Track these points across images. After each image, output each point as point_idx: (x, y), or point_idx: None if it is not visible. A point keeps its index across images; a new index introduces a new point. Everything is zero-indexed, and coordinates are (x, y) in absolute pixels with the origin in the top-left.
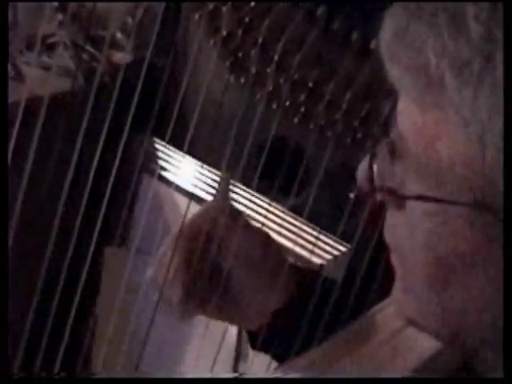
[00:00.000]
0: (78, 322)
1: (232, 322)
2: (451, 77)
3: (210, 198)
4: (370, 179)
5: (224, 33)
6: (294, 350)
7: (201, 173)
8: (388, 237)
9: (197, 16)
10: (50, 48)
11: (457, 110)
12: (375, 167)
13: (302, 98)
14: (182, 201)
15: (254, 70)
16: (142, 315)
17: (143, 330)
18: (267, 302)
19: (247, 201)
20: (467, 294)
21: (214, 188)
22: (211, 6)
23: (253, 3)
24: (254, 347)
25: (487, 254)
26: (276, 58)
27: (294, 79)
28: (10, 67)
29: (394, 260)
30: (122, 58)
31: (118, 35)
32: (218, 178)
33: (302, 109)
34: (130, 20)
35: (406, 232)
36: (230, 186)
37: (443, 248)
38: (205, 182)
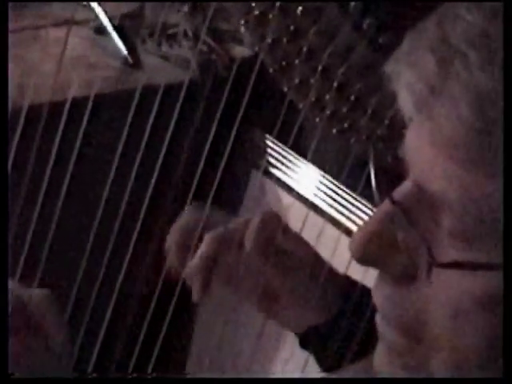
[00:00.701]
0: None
1: (278, 322)
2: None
3: (316, 199)
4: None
5: (269, 40)
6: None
7: (308, 172)
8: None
9: (242, 21)
10: (171, 38)
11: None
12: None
13: (345, 110)
14: (288, 200)
15: (297, 80)
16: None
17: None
18: (312, 311)
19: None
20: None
21: (319, 189)
22: (257, 11)
23: (299, 11)
24: (302, 345)
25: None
26: (320, 67)
27: (337, 90)
28: (128, 54)
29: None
30: (241, 52)
31: (242, 29)
32: (323, 179)
33: (345, 122)
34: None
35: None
36: None
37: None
38: (312, 183)
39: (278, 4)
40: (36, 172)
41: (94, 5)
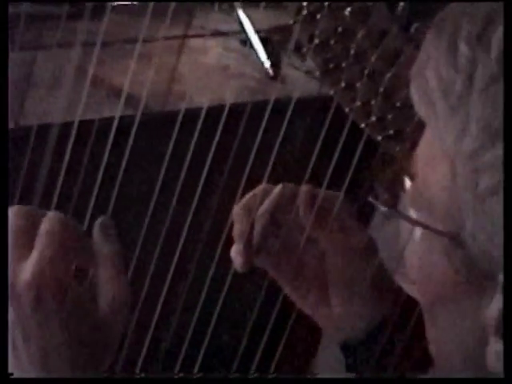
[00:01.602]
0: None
1: (322, 324)
2: (439, 97)
3: None
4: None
5: (317, 41)
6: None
7: None
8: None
9: (291, 21)
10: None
11: (440, 133)
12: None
13: (390, 116)
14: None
15: (343, 84)
16: None
17: None
18: (361, 312)
19: None
20: (450, 328)
21: None
22: (305, 12)
23: (348, 11)
24: (348, 369)
25: (465, 289)
26: (366, 71)
27: (383, 96)
28: (270, 67)
29: None
30: None
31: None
32: None
33: (390, 129)
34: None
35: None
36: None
37: (428, 278)
38: None
39: (326, 4)
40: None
41: (242, 17)
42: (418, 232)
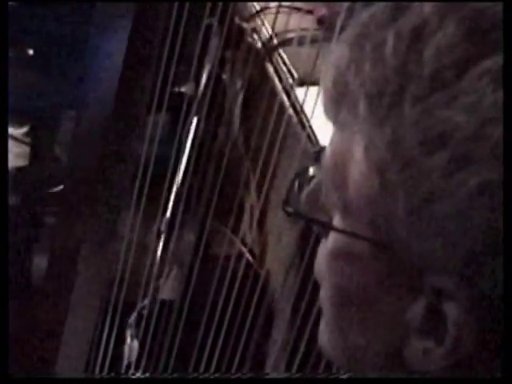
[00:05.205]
0: None
1: None
2: (364, 104)
3: None
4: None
5: None
6: None
7: None
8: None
9: None
10: None
11: (363, 135)
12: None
13: None
14: None
15: None
16: None
17: None
18: None
19: None
20: (368, 329)
21: None
22: None
23: None
24: None
25: (389, 290)
26: None
27: None
28: None
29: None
30: None
31: None
32: None
33: None
34: None
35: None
36: None
37: (347, 283)
38: None
39: None
40: None
41: None
42: (332, 237)
